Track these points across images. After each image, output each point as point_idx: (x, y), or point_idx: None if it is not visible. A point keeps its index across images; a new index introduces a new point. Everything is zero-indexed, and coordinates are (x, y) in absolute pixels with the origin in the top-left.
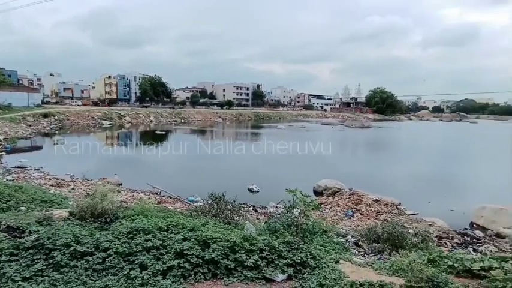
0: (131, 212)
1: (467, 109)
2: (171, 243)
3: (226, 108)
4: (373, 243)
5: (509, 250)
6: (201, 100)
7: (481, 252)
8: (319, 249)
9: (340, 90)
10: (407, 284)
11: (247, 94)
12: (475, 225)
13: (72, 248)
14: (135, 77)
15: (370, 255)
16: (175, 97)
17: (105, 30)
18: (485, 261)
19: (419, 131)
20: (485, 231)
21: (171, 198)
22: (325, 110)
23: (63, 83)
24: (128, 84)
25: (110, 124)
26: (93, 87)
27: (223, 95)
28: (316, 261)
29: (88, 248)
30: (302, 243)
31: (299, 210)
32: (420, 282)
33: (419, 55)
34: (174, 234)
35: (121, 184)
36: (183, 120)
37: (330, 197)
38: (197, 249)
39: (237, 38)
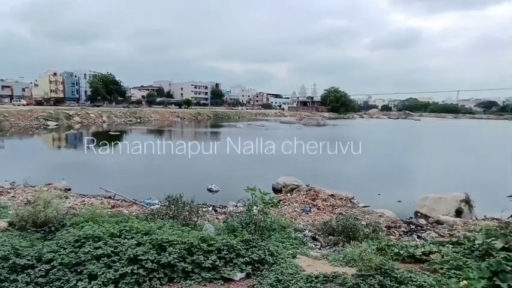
0: (80, 219)
1: (412, 107)
2: (123, 250)
3: (185, 108)
4: (329, 236)
5: (447, 235)
6: (158, 99)
7: (423, 239)
8: (278, 246)
9: (297, 89)
10: (358, 273)
11: (206, 93)
12: (419, 214)
13: (11, 261)
14: (84, 75)
15: (326, 247)
16: (130, 96)
17: (49, 24)
18: (426, 246)
19: (371, 128)
20: (427, 219)
21: (126, 201)
22: (283, 108)
23: (1, 80)
24: (76, 82)
25: (56, 125)
26: (36, 85)
27: (181, 94)
28: (274, 258)
29: (29, 260)
30: (260, 240)
31: (258, 208)
32: (370, 270)
33: (369, 56)
34: (128, 239)
35: (70, 189)
36: (138, 120)
37: (289, 194)
38: (152, 254)
39: (194, 36)
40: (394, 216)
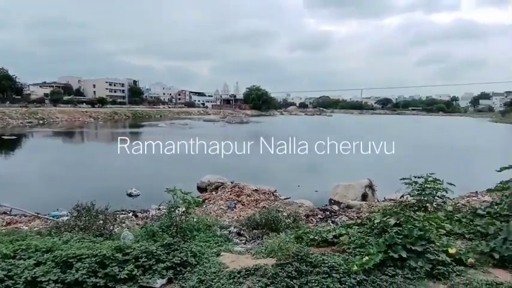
0: None
1: (325, 104)
2: (19, 272)
3: (99, 107)
4: (254, 230)
5: (355, 217)
6: (66, 97)
7: (336, 223)
8: (201, 246)
9: (220, 87)
10: (278, 263)
11: (123, 91)
12: (332, 201)
13: None
14: None
15: (251, 241)
16: (29, 94)
17: None
18: (337, 230)
19: (292, 124)
20: (339, 205)
21: (26, 216)
22: (206, 107)
23: None
24: None
25: None
26: None
27: (94, 92)
28: (197, 258)
29: None
30: (182, 242)
31: (181, 209)
32: (288, 258)
33: (288, 57)
34: (24, 260)
35: None
36: (41, 122)
37: (214, 192)
38: (55, 273)
39: (109, 30)
40: (312, 205)
